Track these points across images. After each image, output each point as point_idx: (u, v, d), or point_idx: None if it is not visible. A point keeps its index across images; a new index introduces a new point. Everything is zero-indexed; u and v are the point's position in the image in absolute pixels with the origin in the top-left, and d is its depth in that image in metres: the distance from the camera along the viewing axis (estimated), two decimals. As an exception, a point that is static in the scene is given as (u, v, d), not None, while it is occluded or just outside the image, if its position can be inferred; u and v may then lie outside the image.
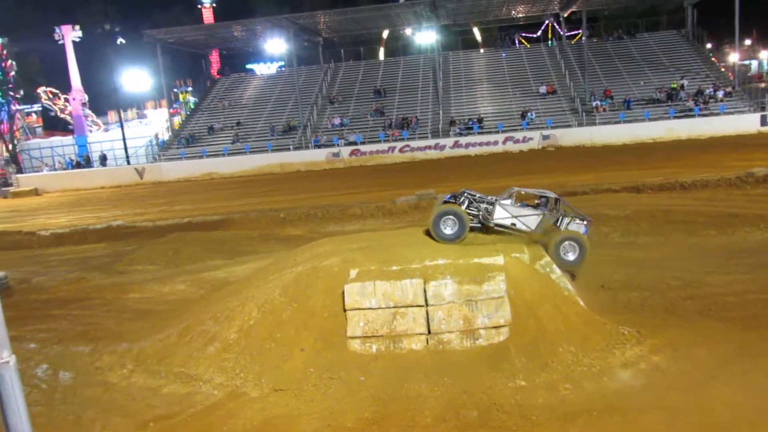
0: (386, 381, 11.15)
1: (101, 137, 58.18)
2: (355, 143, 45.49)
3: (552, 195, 14.36)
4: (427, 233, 14.30)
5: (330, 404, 10.70)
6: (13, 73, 58.96)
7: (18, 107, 59.41)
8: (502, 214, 14.16)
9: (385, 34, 69.82)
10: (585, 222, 14.02)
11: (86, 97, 60.11)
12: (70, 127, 62.07)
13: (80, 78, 58.63)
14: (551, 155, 41.77)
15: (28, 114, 69.43)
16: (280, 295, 13.18)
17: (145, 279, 19.46)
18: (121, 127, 52.53)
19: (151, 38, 53.11)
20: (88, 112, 61.84)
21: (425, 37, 64.22)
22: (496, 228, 14.29)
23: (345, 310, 12.17)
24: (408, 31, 70.65)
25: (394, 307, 11.82)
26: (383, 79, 55.75)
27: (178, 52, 62.90)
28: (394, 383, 11.03)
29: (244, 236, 23.63)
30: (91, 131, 60.13)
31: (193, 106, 60.80)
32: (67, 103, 62.15)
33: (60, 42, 57.28)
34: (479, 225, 14.50)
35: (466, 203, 14.45)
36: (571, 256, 13.56)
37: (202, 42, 59.36)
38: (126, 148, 50.10)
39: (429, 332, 11.70)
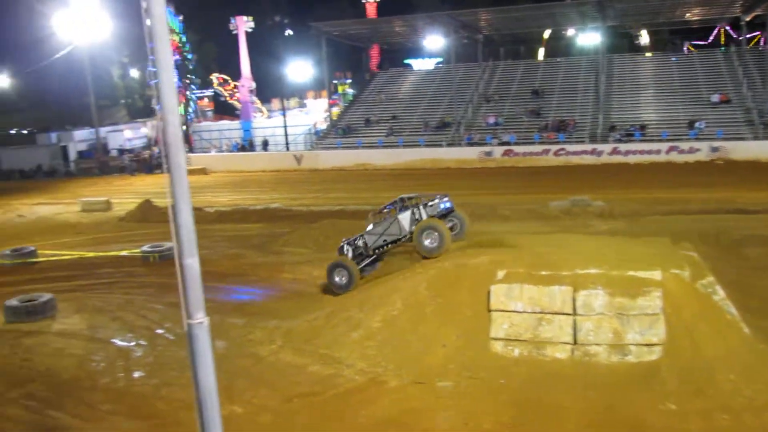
0: (527, 387, 10.96)
1: (264, 123, 61.46)
2: (508, 143, 44.88)
3: (396, 199, 15.66)
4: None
5: (468, 403, 10.68)
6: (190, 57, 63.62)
7: (194, 91, 63.83)
8: (372, 241, 15.64)
9: (547, 33, 68.28)
10: (441, 199, 15.26)
11: (254, 85, 63.68)
12: (237, 112, 66.05)
13: (249, 66, 62.21)
14: (720, 169, 38.97)
15: (201, 98, 74.48)
16: (425, 288, 13.32)
17: (298, 261, 20.35)
18: (283, 114, 55.15)
19: (317, 30, 55.29)
20: (255, 99, 65.48)
21: (589, 38, 62.12)
22: (381, 253, 15.89)
23: (489, 311, 12.08)
24: (570, 32, 68.67)
25: (540, 313, 11.58)
26: (542, 80, 54.48)
27: (341, 45, 64.99)
28: (535, 390, 10.82)
29: (393, 228, 24.07)
30: (255, 117, 63.66)
31: (351, 98, 62.66)
32: (236, 90, 66.17)
33: (234, 32, 61.07)
34: (370, 260, 16.05)
35: (350, 252, 16.03)
36: (434, 243, 14.28)
37: (365, 36, 60.95)
38: (286, 135, 52.58)
39: (575, 342, 11.34)
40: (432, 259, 14.53)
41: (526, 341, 11.64)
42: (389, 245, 15.62)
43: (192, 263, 2.08)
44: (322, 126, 57.17)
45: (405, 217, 15.24)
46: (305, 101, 72.40)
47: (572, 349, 11.35)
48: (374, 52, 67.96)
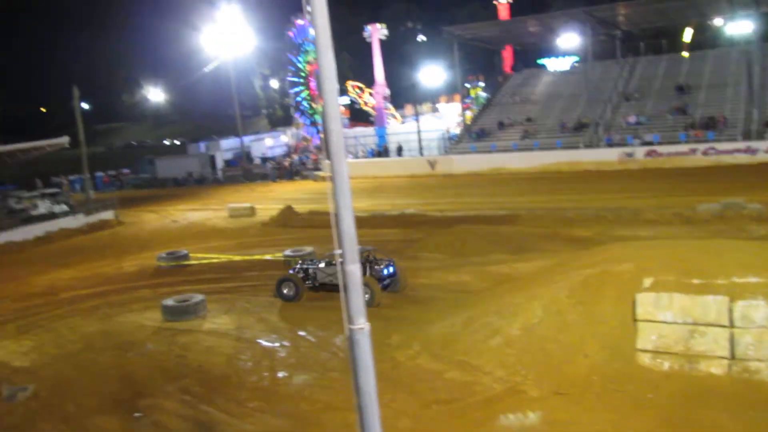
0: (678, 403, 10.33)
1: (398, 129, 62.24)
2: (651, 143, 42.70)
3: (364, 249, 17.34)
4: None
5: (613, 417, 10.22)
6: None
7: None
8: (321, 277, 18.35)
9: (691, 25, 64.32)
10: (386, 266, 18.07)
11: (388, 92, 64.69)
12: (372, 119, 67.35)
13: (383, 73, 63.29)
14: None
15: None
16: (566, 296, 12.91)
17: (433, 266, 20.40)
18: (417, 120, 55.58)
19: (449, 35, 55.29)
20: (389, 105, 66.52)
21: (739, 27, 57.84)
22: (320, 288, 18.40)
23: (635, 321, 11.52)
24: (718, 22, 64.29)
25: (692, 324, 10.89)
26: (687, 75, 51.35)
27: (473, 48, 64.64)
28: (687, 407, 10.18)
29: (530, 233, 23.58)
30: (389, 123, 64.63)
31: (484, 101, 62.19)
32: (370, 97, 67.53)
33: (368, 40, 62.35)
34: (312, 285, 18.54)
35: (302, 273, 18.59)
36: (366, 296, 15.66)
37: (497, 38, 60.25)
38: (420, 141, 52.95)
39: (732, 357, 10.56)
40: (573, 266, 14.09)
41: (677, 354, 10.99)
42: (331, 285, 18.04)
43: (354, 269, 2.10)
44: (456, 130, 57.06)
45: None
46: (438, 106, 72.58)
47: (729, 364, 10.58)
48: (507, 53, 67.02)
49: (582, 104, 51.02)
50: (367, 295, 16.68)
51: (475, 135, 51.62)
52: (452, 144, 53.03)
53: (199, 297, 17.93)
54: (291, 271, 18.96)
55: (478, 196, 34.01)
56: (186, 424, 11.93)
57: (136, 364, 15.01)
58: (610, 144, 44.71)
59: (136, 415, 12.44)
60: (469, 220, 26.54)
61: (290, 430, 11.36)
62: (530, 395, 11.20)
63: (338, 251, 17.38)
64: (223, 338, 16.03)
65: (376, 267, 18.01)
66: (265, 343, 15.48)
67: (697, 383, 10.61)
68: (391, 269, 18.12)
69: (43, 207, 36.42)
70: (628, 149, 42.90)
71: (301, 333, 15.77)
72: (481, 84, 71.27)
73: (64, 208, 37.09)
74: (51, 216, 35.65)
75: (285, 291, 18.21)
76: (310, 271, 18.54)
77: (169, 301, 17.81)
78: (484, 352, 12.72)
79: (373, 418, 2.77)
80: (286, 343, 15.32)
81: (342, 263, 2.14)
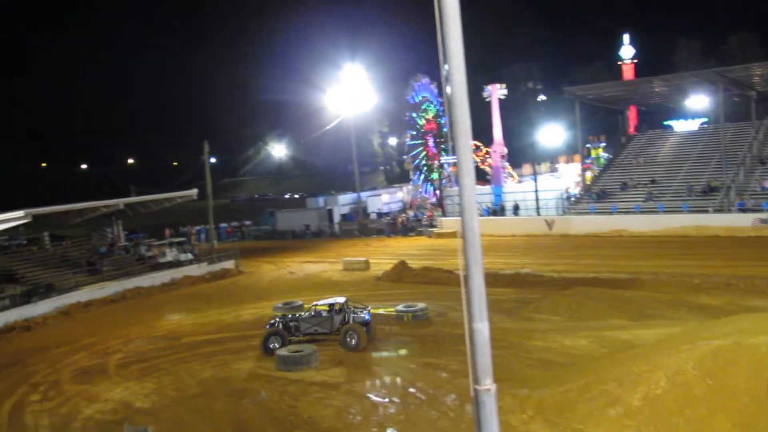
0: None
1: (515, 188, 61.66)
2: (789, 209, 40.05)
3: (338, 300, 20.45)
4: None
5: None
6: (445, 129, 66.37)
7: (447, 157, 66.28)
8: (305, 327, 19.88)
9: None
10: (365, 310, 20.37)
11: (505, 150, 64.48)
12: (488, 177, 67.18)
13: (501, 132, 63.27)
14: None
15: (453, 164, 76.96)
16: (693, 367, 12.14)
17: (548, 329, 19.81)
18: (535, 179, 54.92)
19: (571, 94, 54.60)
20: (506, 164, 66.22)
21: None
22: (305, 339, 19.66)
23: (774, 399, 10.66)
24: None
25: (838, 406, 9.94)
26: (832, 137, 48.17)
27: (594, 108, 63.44)
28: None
29: (652, 299, 22.45)
30: (506, 182, 64.20)
31: (605, 162, 60.63)
32: (487, 156, 67.52)
33: (487, 99, 62.77)
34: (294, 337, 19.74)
35: (280, 325, 19.93)
36: (353, 342, 19.06)
37: (620, 98, 58.84)
38: (537, 200, 52.17)
39: None
40: (701, 336, 13.29)
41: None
42: (318, 335, 19.87)
43: (482, 328, 2.05)
44: (575, 190, 55.85)
45: (337, 319, 19.86)
46: (557, 166, 71.50)
47: None
48: (631, 114, 65.38)
49: (712, 167, 48.72)
50: (353, 340, 19.02)
51: (595, 195, 50.28)
52: (571, 204, 51.85)
53: (311, 348, 18.25)
54: (269, 326, 20.10)
55: (597, 258, 32.85)
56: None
57: (249, 412, 15.39)
58: (743, 209, 42.19)
59: None
60: (587, 282, 25.66)
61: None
62: (652, 473, 10.52)
63: (320, 302, 19.69)
64: (333, 390, 16.17)
65: (354, 314, 19.96)
66: (374, 398, 15.47)
67: None
68: (367, 315, 20.11)
69: (170, 255, 38.63)
70: (763, 215, 40.29)
71: (412, 390, 15.65)
72: (603, 144, 69.72)
73: (190, 256, 39.16)
74: (177, 263, 37.72)
75: (271, 345, 19.15)
76: (291, 324, 19.95)
77: (283, 351, 18.22)
78: (602, 422, 12.12)
79: None
80: (395, 399, 15.23)
81: (469, 321, 2.11)
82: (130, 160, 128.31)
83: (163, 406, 16.24)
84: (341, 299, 20.50)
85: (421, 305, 22.54)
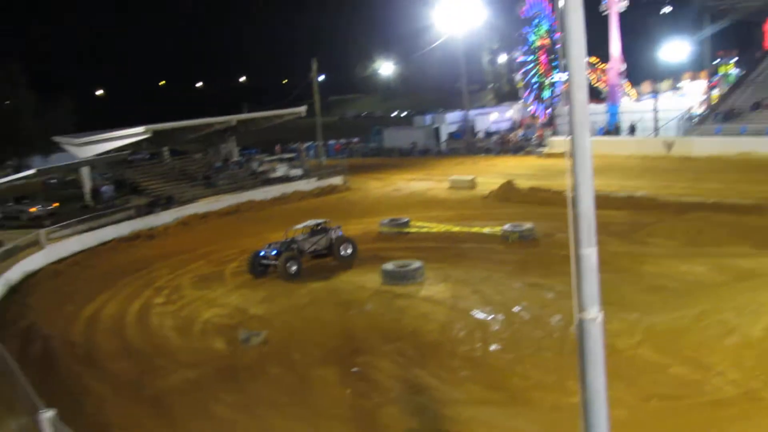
0: None
1: (633, 107, 58.59)
2: None
3: (319, 221, 21.56)
4: None
5: None
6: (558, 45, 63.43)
7: (559, 75, 63.75)
8: (306, 247, 20.64)
9: None
10: (338, 228, 21.49)
11: (624, 67, 61.11)
12: (603, 96, 64.19)
13: (620, 48, 59.81)
14: None
15: (566, 82, 73.88)
16: (824, 298, 11.46)
17: (663, 254, 19.11)
18: (654, 98, 51.99)
19: (700, 5, 50.73)
20: (623, 81, 62.91)
21: None
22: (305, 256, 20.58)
23: None
24: None
25: None
26: None
27: (726, 20, 58.68)
28: None
29: (780, 226, 21.11)
30: (622, 101, 61.15)
31: (735, 79, 56.46)
32: (603, 73, 64.33)
33: (605, 12, 59.22)
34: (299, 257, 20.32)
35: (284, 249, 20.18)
36: (348, 251, 20.96)
37: (758, 8, 54.11)
38: (656, 120, 49.56)
39: None
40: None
41: None
42: (318, 252, 20.86)
43: (590, 254, 1.95)
44: (699, 110, 52.54)
45: (329, 236, 21.01)
46: (680, 84, 67.24)
47: None
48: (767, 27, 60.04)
49: None
50: (349, 250, 20.88)
51: (721, 116, 47.14)
52: (693, 125, 48.95)
53: (417, 263, 18.47)
54: (275, 252, 20.14)
55: (720, 182, 30.99)
56: (398, 384, 12.43)
57: (355, 322, 15.92)
58: None
59: (354, 370, 13.19)
60: (707, 208, 24.35)
61: (499, 403, 11.36)
62: (769, 403, 10.14)
63: (313, 222, 21.15)
64: (438, 306, 16.41)
65: (335, 230, 21.33)
66: (479, 315, 15.59)
67: None
68: (341, 232, 21.43)
69: (281, 170, 39.75)
70: None
71: (516, 309, 15.64)
72: (734, 60, 64.75)
73: (299, 172, 40.16)
74: (287, 179, 38.82)
75: (291, 269, 19.67)
76: (293, 246, 20.38)
77: (389, 266, 18.54)
78: (717, 351, 11.74)
79: (599, 417, 2.59)
80: (499, 317, 15.29)
81: (576, 246, 2.01)
82: (242, 79, 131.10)
83: (275, 314, 17.05)
84: (321, 220, 21.66)
85: (527, 225, 22.23)
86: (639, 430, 9.97)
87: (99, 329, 17.17)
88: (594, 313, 2.34)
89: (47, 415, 9.08)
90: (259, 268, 20.17)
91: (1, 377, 11.99)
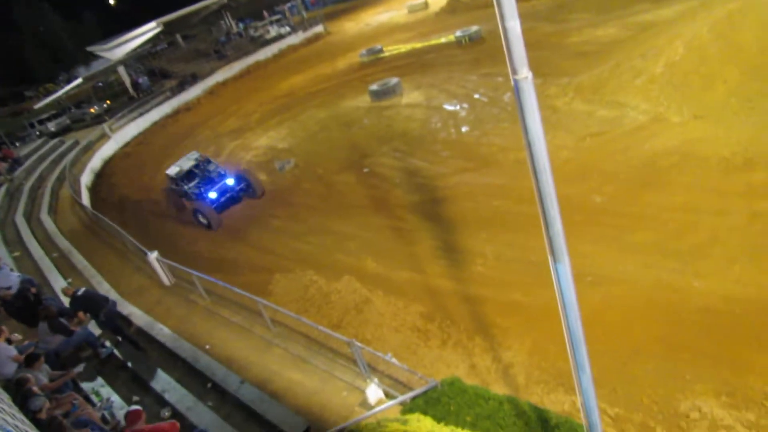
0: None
1: None
2: None
3: (191, 158, 14.35)
4: None
5: (749, 131, 9.19)
6: None
7: None
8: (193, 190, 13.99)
9: None
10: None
11: None
12: None
13: None
14: None
15: None
16: (708, 31, 11.16)
17: (581, 26, 18.39)
18: None
19: None
20: None
21: None
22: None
23: (777, 43, 9.78)
24: None
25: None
26: None
27: None
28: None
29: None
30: None
31: None
32: None
33: None
34: None
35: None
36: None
37: None
38: None
39: None
40: (717, 1, 11.98)
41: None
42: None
43: (514, 26, 1.94)
44: None
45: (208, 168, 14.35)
46: None
47: None
48: None
49: None
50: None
51: None
52: None
53: (395, 80, 18.09)
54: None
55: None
56: (399, 172, 12.76)
57: (357, 136, 15.97)
58: None
59: (365, 170, 13.49)
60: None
61: (474, 168, 11.70)
62: (672, 121, 10.36)
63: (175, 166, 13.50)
64: (416, 108, 16.30)
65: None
66: (449, 108, 15.52)
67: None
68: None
69: (273, 31, 37.55)
70: None
71: (476, 96, 15.51)
72: None
73: (287, 29, 37.92)
74: (279, 37, 36.76)
75: (200, 219, 13.28)
76: (186, 191, 13.98)
77: (374, 86, 18.19)
78: (630, 91, 11.74)
79: (540, 152, 2.73)
80: (465, 105, 15.22)
81: (502, 20, 1.99)
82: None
83: (296, 144, 17.11)
84: (195, 154, 14.74)
85: (475, 28, 21.30)
86: (580, 160, 10.35)
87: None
88: (524, 73, 2.40)
89: (153, 255, 9.65)
90: None
91: (113, 238, 12.53)
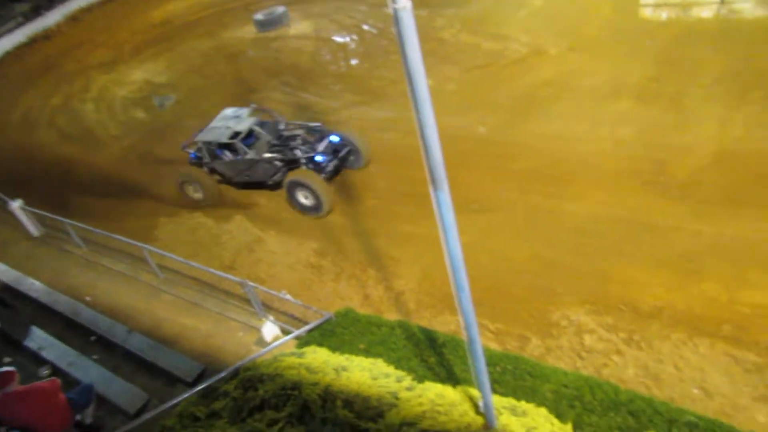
0: (671, 46, 9.80)
1: None
2: None
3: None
4: None
5: (618, 63, 9.90)
6: None
7: None
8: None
9: None
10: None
11: None
12: None
13: None
14: None
15: None
16: (583, -35, 11.67)
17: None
18: None
19: None
20: None
21: None
22: None
23: (642, -20, 10.45)
24: None
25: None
26: None
27: None
28: (678, 48, 9.66)
29: None
30: None
31: None
32: None
33: None
34: None
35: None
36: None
37: None
38: None
39: (722, 1, 9.62)
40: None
41: (674, 5, 10.16)
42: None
43: None
44: None
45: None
46: None
47: (718, 7, 9.70)
48: None
49: None
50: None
51: None
52: None
53: (282, 9, 17.21)
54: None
55: None
56: (290, 108, 12.43)
57: (244, 68, 15.21)
58: None
59: (252, 105, 12.92)
60: None
61: (366, 102, 11.66)
62: (550, 53, 10.87)
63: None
64: (305, 40, 15.74)
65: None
66: (338, 39, 15.14)
67: (689, 27, 9.97)
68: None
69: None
70: None
71: (365, 27, 15.23)
72: None
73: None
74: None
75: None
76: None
77: (259, 16, 17.23)
78: (513, 24, 12.10)
79: (421, 91, 2.73)
80: (354, 37, 14.92)
81: None
82: None
83: (177, 78, 16.01)
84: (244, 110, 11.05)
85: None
86: (466, 92, 10.63)
87: (33, 127, 15.80)
88: (403, 2, 2.35)
89: (16, 203, 8.81)
90: None
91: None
